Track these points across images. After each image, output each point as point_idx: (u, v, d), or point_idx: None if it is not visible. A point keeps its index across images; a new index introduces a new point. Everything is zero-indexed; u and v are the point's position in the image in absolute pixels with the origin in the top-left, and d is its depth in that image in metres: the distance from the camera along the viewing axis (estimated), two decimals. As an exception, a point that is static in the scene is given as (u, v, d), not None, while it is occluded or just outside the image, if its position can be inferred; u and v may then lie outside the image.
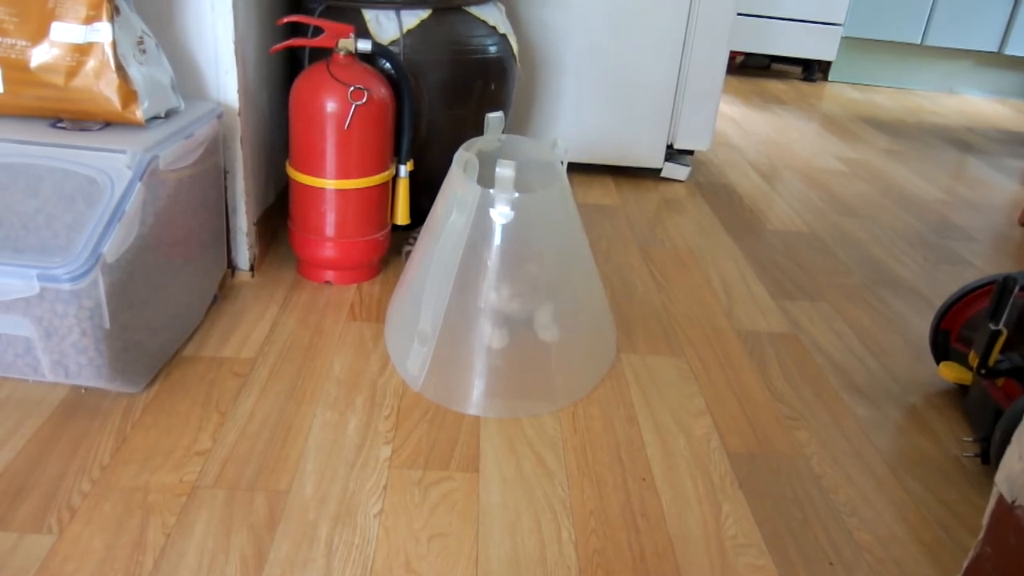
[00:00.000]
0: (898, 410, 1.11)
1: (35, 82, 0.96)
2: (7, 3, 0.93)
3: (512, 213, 0.99)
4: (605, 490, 0.90)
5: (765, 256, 1.58)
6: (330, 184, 1.21)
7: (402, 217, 1.32)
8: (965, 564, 0.67)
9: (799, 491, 0.93)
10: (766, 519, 0.88)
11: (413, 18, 1.29)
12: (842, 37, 3.32)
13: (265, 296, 1.24)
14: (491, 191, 0.98)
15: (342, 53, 1.18)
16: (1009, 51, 3.33)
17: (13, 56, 0.94)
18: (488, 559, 0.79)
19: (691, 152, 2.06)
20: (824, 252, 1.62)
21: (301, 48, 1.33)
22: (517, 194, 0.98)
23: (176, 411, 0.96)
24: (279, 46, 1.22)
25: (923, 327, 1.35)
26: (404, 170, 1.30)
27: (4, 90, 0.96)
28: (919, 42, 3.32)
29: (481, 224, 0.99)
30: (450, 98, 1.34)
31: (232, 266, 1.27)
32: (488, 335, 1.02)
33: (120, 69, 0.96)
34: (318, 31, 1.19)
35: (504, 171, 0.96)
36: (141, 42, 1.01)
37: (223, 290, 1.23)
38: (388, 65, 1.26)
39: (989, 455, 0.98)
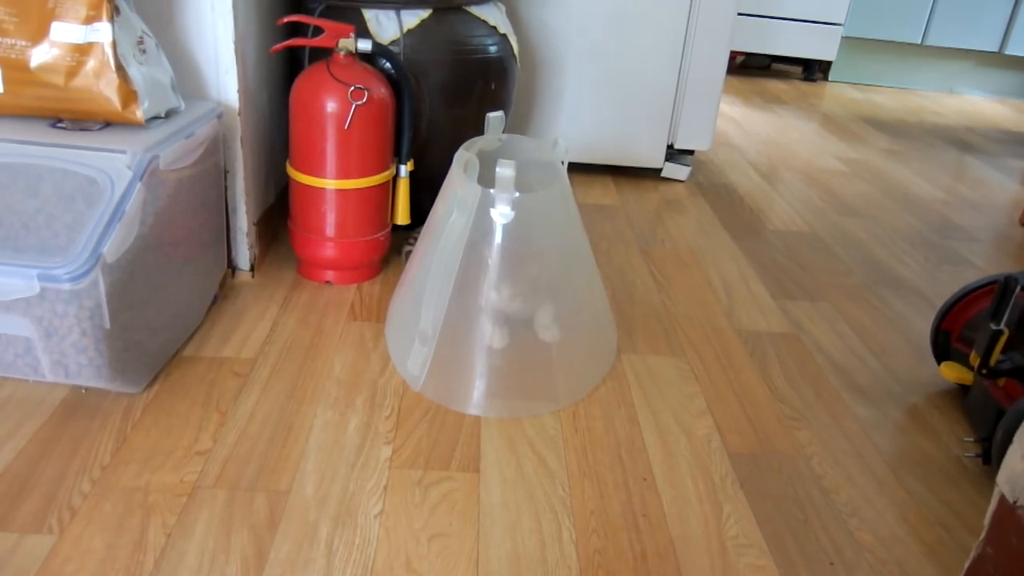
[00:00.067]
0: (899, 410, 1.11)
1: (35, 82, 0.95)
2: (7, 3, 0.93)
3: (512, 213, 0.98)
4: (606, 490, 0.90)
5: (766, 256, 1.57)
6: (330, 184, 1.21)
7: (402, 217, 1.32)
8: (966, 564, 0.67)
9: (800, 491, 0.93)
10: (767, 519, 0.88)
11: (413, 18, 1.29)
12: (842, 37, 3.32)
13: (265, 296, 1.24)
14: (492, 191, 0.98)
15: (342, 53, 1.18)
16: (1010, 51, 3.33)
17: (13, 56, 0.94)
18: (489, 559, 0.79)
19: (691, 152, 2.06)
20: (825, 252, 1.62)
21: (301, 48, 1.33)
22: (518, 194, 0.98)
23: (176, 411, 0.96)
24: (279, 46, 1.22)
25: (924, 327, 1.35)
26: (404, 170, 1.29)
27: (4, 90, 0.96)
28: (919, 42, 3.32)
29: (482, 224, 0.99)
30: (450, 98, 1.34)
31: (232, 266, 1.27)
32: (489, 335, 1.01)
33: (120, 69, 0.96)
34: (318, 31, 1.19)
35: (504, 171, 0.96)
36: (141, 42, 1.01)
37: (223, 290, 1.23)
38: (388, 65, 1.26)
39: (990, 455, 0.98)
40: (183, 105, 1.08)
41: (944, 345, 1.18)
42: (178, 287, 1.05)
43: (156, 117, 1.03)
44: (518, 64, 1.47)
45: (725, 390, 1.11)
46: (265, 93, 1.34)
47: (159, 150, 0.96)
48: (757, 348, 1.23)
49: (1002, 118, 3.11)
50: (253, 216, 1.27)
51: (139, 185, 0.92)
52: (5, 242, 0.88)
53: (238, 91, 1.17)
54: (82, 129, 0.98)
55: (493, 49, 1.37)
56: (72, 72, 0.95)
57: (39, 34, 0.94)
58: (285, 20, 1.22)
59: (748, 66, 3.68)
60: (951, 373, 1.10)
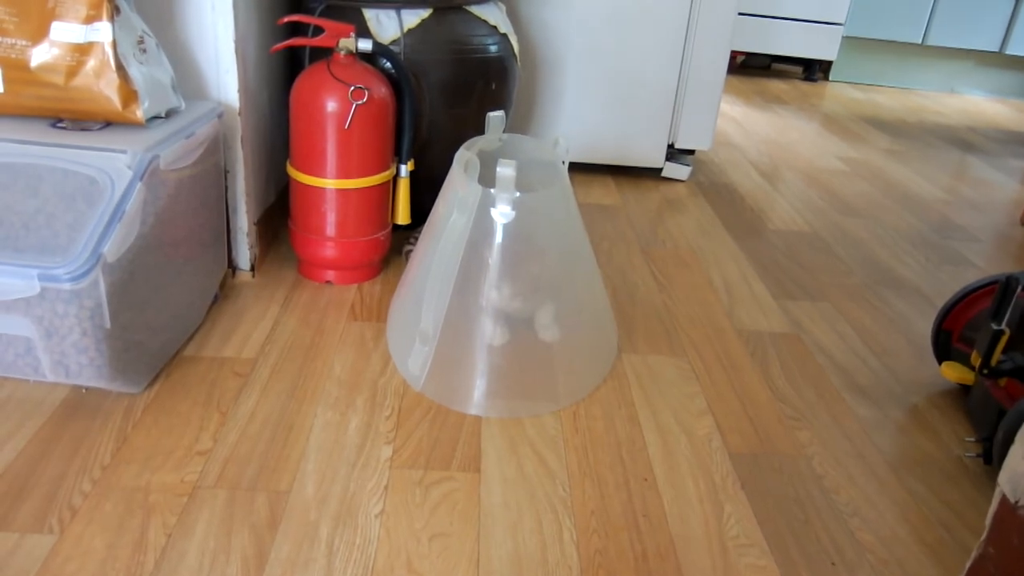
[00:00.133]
0: (900, 410, 1.11)
1: (35, 82, 0.95)
2: (7, 3, 0.93)
3: (513, 212, 0.98)
4: (607, 490, 0.90)
5: (766, 256, 1.57)
6: (331, 184, 1.21)
7: (403, 217, 1.32)
8: (968, 565, 0.66)
9: (801, 491, 0.93)
10: (768, 519, 0.88)
11: (414, 17, 1.28)
12: (843, 37, 3.32)
13: (266, 296, 1.24)
14: (492, 190, 0.98)
15: (343, 52, 1.18)
16: (1010, 51, 3.33)
17: (13, 56, 0.94)
18: (489, 559, 0.79)
19: (692, 152, 2.06)
20: (826, 252, 1.62)
21: (301, 48, 1.33)
22: (518, 193, 0.98)
23: (177, 411, 0.96)
24: (280, 45, 1.22)
25: (925, 327, 1.35)
26: (405, 170, 1.29)
27: (4, 90, 0.96)
28: (920, 42, 3.32)
29: (482, 223, 0.99)
30: (451, 97, 1.34)
31: (233, 266, 1.27)
32: (490, 334, 1.01)
33: (120, 69, 0.96)
34: (319, 30, 1.19)
35: (505, 170, 0.96)
36: (141, 42, 1.01)
37: (224, 290, 1.23)
38: (389, 64, 1.26)
39: (991, 455, 0.98)
40: (183, 105, 1.08)
41: (945, 345, 1.18)
42: (178, 287, 1.05)
43: (156, 117, 1.03)
44: (519, 64, 1.47)
45: (726, 390, 1.11)
46: (265, 93, 1.34)
47: (159, 150, 0.96)
48: (758, 348, 1.23)
49: (1003, 118, 3.11)
50: (253, 216, 1.27)
51: (139, 185, 0.92)
52: (5, 242, 0.88)
53: (238, 91, 1.17)
54: (82, 129, 0.98)
55: (494, 49, 1.37)
56: (72, 72, 0.95)
57: (39, 34, 0.94)
58: (285, 20, 1.22)
59: (749, 66, 3.68)
60: (952, 373, 1.10)
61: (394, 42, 1.28)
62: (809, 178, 2.10)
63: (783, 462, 0.97)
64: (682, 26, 1.79)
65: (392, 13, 1.28)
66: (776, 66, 3.74)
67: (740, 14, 3.13)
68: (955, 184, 2.18)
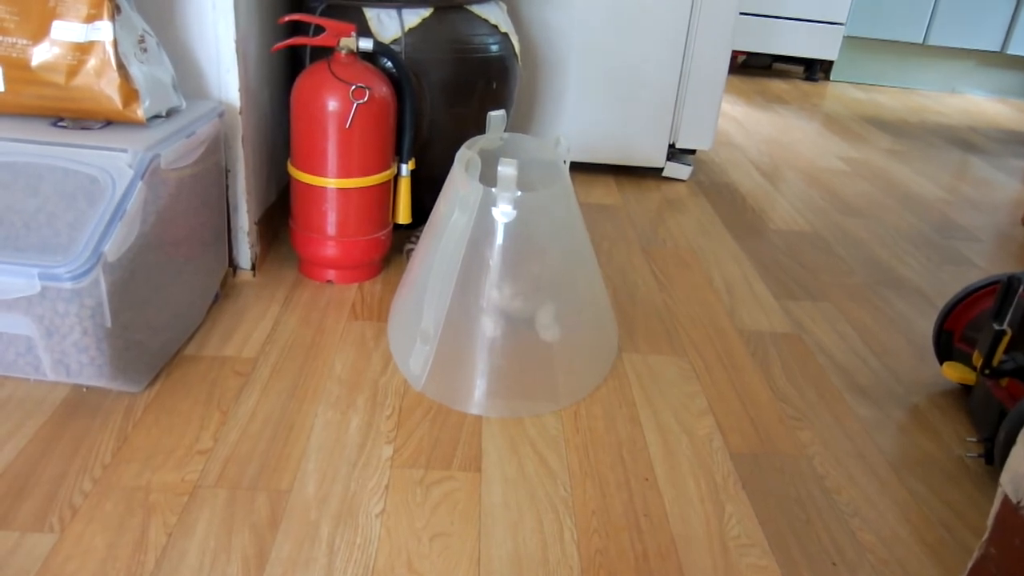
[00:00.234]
0: (901, 410, 1.11)
1: (36, 81, 0.95)
2: (8, 2, 0.93)
3: (514, 212, 0.98)
4: (607, 490, 0.90)
5: (767, 256, 1.57)
6: (332, 183, 1.21)
7: (404, 216, 1.32)
8: (969, 565, 0.66)
9: (802, 491, 0.93)
10: (769, 519, 0.88)
11: (415, 16, 1.28)
12: (844, 36, 3.32)
13: (267, 295, 1.23)
14: (493, 190, 0.97)
15: (343, 52, 1.18)
16: (1011, 51, 3.33)
17: (14, 55, 0.94)
18: (490, 559, 0.79)
19: (693, 151, 2.05)
20: (827, 252, 1.62)
21: (302, 47, 1.33)
22: (519, 193, 0.98)
23: (178, 410, 0.96)
24: (280, 45, 1.22)
25: (926, 327, 1.35)
26: (406, 169, 1.29)
27: (5, 89, 0.96)
28: (921, 42, 3.32)
29: (483, 223, 0.99)
30: (452, 97, 1.34)
31: (233, 265, 1.27)
32: (490, 333, 1.01)
33: (121, 68, 0.96)
34: (319, 30, 1.19)
35: (506, 170, 0.96)
36: (142, 41, 1.01)
37: (224, 289, 1.23)
38: (390, 64, 1.26)
39: (993, 455, 0.98)
40: (184, 104, 1.08)
41: (947, 345, 1.18)
42: (179, 286, 1.05)
43: (157, 116, 1.03)
44: (520, 63, 1.47)
45: (727, 390, 1.11)
46: (266, 92, 1.34)
47: (160, 149, 0.96)
48: (759, 348, 1.23)
49: (1004, 118, 3.11)
50: (254, 215, 1.27)
51: (140, 184, 0.92)
52: (6, 241, 0.88)
53: (239, 90, 1.17)
54: (83, 128, 0.98)
55: (495, 48, 1.37)
56: (73, 71, 0.95)
57: (40, 33, 0.94)
58: (286, 19, 1.22)
59: (750, 66, 3.68)
60: (953, 373, 1.10)
61: (395, 41, 1.28)
62: (810, 178, 2.10)
63: (784, 462, 0.97)
64: (683, 26, 1.79)
65: (393, 12, 1.28)
66: (777, 66, 3.73)
67: (741, 14, 3.12)
68: (956, 184, 2.18)
